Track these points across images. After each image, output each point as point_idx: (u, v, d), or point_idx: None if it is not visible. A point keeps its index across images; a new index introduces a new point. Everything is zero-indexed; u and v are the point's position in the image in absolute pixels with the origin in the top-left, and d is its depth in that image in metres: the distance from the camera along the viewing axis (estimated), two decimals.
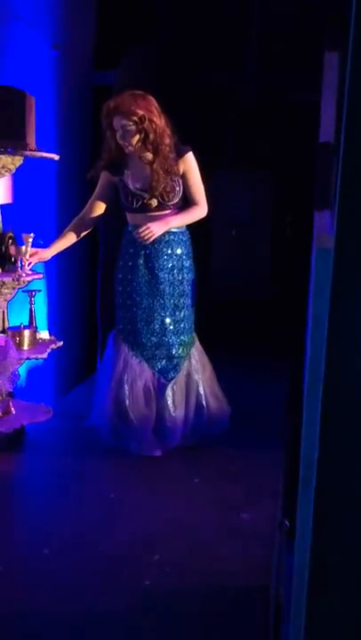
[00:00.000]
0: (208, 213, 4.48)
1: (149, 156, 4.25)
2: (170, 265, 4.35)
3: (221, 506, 3.77)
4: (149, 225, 4.24)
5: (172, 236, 4.36)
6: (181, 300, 4.40)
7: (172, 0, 7.25)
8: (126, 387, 4.31)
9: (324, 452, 1.38)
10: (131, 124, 4.16)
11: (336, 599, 1.43)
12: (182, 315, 4.41)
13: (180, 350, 4.41)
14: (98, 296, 6.38)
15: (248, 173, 7.63)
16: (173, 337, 4.39)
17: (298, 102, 6.97)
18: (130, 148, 4.22)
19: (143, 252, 4.32)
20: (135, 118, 4.15)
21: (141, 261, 4.33)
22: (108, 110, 4.20)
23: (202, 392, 4.46)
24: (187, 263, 4.42)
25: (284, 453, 4.50)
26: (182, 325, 4.42)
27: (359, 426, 1.34)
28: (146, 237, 4.24)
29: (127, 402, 4.30)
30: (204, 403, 4.45)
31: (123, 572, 3.10)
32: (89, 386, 5.90)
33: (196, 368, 4.48)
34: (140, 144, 4.21)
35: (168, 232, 4.33)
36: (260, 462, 4.33)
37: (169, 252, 4.35)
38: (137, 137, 4.19)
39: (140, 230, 4.24)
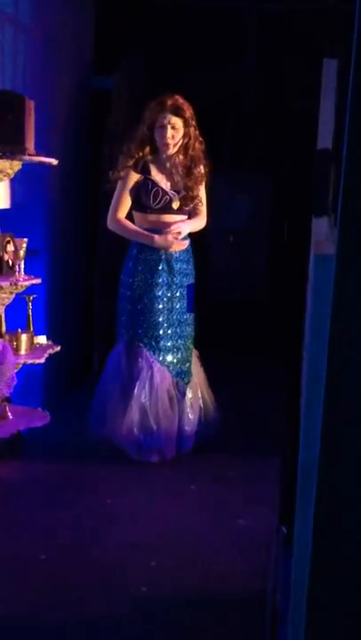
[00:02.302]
0: (207, 217, 4.56)
1: (181, 158, 4.34)
2: (185, 268, 4.43)
3: (218, 512, 3.77)
4: (180, 224, 4.32)
5: (186, 241, 4.43)
6: (189, 305, 4.45)
7: (172, 4, 7.26)
8: (152, 393, 4.29)
9: (326, 458, 1.37)
10: (181, 123, 4.25)
11: (337, 605, 1.43)
12: (190, 319, 4.46)
13: (189, 354, 4.45)
14: (95, 301, 6.38)
15: (247, 178, 7.64)
16: (185, 340, 4.43)
17: (297, 107, 6.98)
18: (172, 147, 4.29)
19: (164, 257, 4.34)
20: (186, 117, 4.26)
21: (163, 266, 4.35)
22: (163, 106, 4.25)
23: (200, 395, 4.48)
24: (192, 267, 4.47)
25: (282, 459, 4.50)
26: (189, 329, 4.46)
27: None
28: (178, 235, 4.31)
29: (154, 409, 4.28)
30: (202, 406, 4.48)
31: (120, 578, 3.09)
32: (86, 390, 5.89)
33: (194, 372, 4.51)
34: (178, 146, 4.30)
35: (183, 237, 4.42)
36: (256, 468, 4.33)
37: (185, 256, 4.42)
38: (181, 139, 4.29)
39: (174, 227, 4.30)
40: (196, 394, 4.46)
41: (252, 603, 2.96)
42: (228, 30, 7.41)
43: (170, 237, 4.32)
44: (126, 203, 4.36)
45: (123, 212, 4.36)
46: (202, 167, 4.41)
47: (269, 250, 7.80)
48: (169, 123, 4.24)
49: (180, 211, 4.39)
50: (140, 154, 4.30)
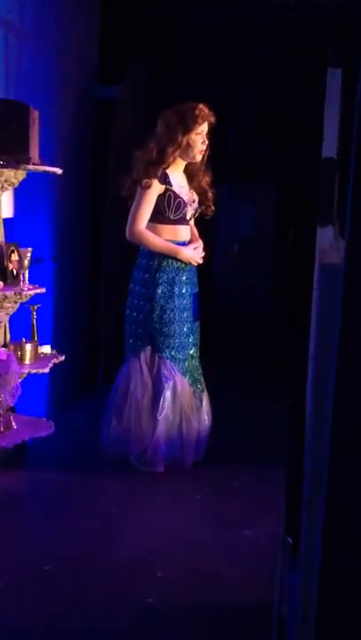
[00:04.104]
0: (211, 227, 4.56)
1: (195, 167, 4.37)
2: (192, 277, 4.44)
3: (224, 522, 3.75)
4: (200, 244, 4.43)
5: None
6: (195, 313, 4.45)
7: (176, 14, 7.28)
8: (175, 404, 4.28)
9: (335, 470, 1.36)
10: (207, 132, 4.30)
11: (346, 617, 1.42)
12: (197, 326, 4.46)
13: (199, 362, 4.45)
14: (100, 310, 6.37)
15: (250, 188, 7.64)
16: (196, 349, 4.44)
17: (300, 116, 6.99)
18: (201, 157, 4.32)
19: (183, 267, 4.33)
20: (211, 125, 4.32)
21: (181, 277, 4.33)
22: (204, 114, 4.25)
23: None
24: (196, 276, 4.48)
25: (286, 469, 4.48)
26: (198, 337, 4.46)
27: None
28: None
29: (177, 419, 4.27)
30: None
31: (124, 588, 3.07)
32: (91, 400, 5.89)
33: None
34: None
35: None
36: (261, 478, 4.31)
37: (192, 265, 4.43)
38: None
39: (199, 247, 4.40)
40: (208, 400, 4.47)
41: (259, 614, 2.93)
42: (232, 41, 7.42)
43: (194, 250, 4.34)
44: (148, 214, 4.27)
45: (144, 224, 4.27)
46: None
47: (274, 259, 7.80)
48: (204, 131, 4.27)
49: (189, 220, 4.41)
50: (172, 159, 4.27)
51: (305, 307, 5.18)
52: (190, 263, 4.35)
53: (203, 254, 4.41)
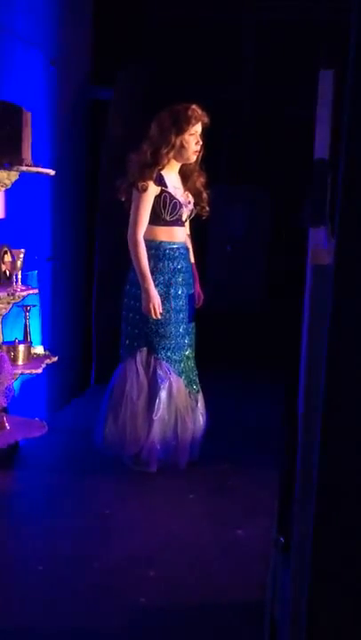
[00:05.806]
0: (204, 227, 4.54)
1: (189, 169, 4.36)
2: (188, 278, 4.43)
3: (217, 522, 3.76)
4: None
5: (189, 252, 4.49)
6: (190, 314, 4.45)
7: (170, 15, 7.29)
8: (170, 404, 4.28)
9: (324, 469, 1.37)
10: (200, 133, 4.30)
11: (336, 616, 1.43)
12: (192, 327, 4.45)
13: (194, 362, 4.45)
14: (93, 310, 6.38)
15: (244, 188, 7.65)
16: (191, 349, 4.44)
17: (295, 117, 7.00)
18: (195, 157, 4.32)
19: (179, 268, 4.33)
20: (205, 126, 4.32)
21: (177, 278, 4.33)
22: (197, 115, 4.25)
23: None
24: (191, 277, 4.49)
25: (280, 469, 4.49)
26: (193, 338, 4.46)
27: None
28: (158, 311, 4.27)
29: (173, 420, 4.27)
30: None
31: (118, 588, 3.08)
32: (84, 400, 5.89)
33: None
34: None
35: (188, 249, 4.45)
36: (255, 478, 4.32)
37: (189, 267, 4.44)
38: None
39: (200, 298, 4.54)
40: (203, 401, 4.47)
41: (251, 613, 2.94)
42: (226, 42, 7.44)
43: (158, 306, 4.23)
44: (147, 216, 4.25)
45: (144, 227, 4.25)
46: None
47: (268, 259, 7.80)
48: (198, 131, 4.26)
49: (185, 222, 4.41)
50: (166, 160, 4.26)
51: (299, 307, 5.20)
52: (148, 306, 4.20)
53: (159, 314, 4.22)
